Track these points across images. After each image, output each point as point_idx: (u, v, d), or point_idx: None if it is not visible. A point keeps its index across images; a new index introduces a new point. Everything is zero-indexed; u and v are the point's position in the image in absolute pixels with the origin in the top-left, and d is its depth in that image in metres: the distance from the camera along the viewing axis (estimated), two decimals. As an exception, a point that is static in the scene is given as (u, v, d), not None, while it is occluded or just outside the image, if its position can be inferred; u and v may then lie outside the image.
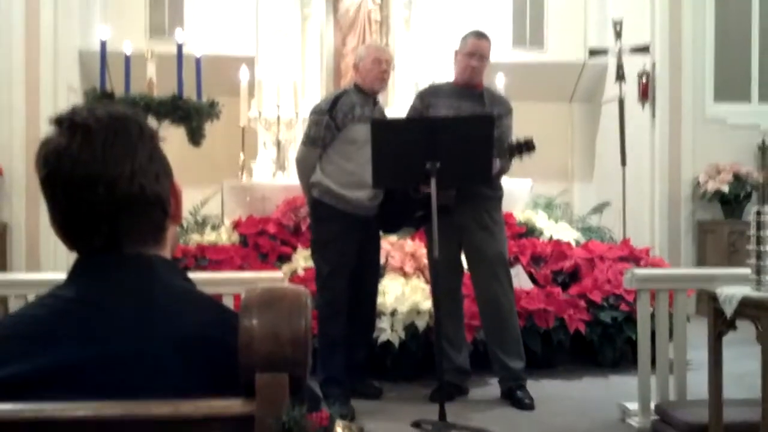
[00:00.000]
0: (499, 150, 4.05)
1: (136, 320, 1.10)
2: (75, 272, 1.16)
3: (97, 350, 1.07)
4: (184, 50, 5.77)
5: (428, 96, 4.39)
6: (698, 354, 4.02)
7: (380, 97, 4.51)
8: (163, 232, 1.19)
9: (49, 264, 6.51)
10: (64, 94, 7.01)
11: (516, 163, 4.38)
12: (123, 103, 4.92)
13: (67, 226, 1.15)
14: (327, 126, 4.13)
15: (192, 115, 5.46)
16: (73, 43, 7.44)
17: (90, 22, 7.69)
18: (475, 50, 4.27)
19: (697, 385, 3.63)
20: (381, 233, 4.44)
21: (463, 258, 4.42)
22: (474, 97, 4.27)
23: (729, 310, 2.92)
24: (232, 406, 1.02)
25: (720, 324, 3.04)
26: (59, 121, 1.13)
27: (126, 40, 5.95)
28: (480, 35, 4.36)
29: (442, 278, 3.99)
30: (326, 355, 4.09)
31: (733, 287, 3.00)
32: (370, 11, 7.28)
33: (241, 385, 1.02)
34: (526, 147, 4.07)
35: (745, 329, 3.21)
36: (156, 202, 1.16)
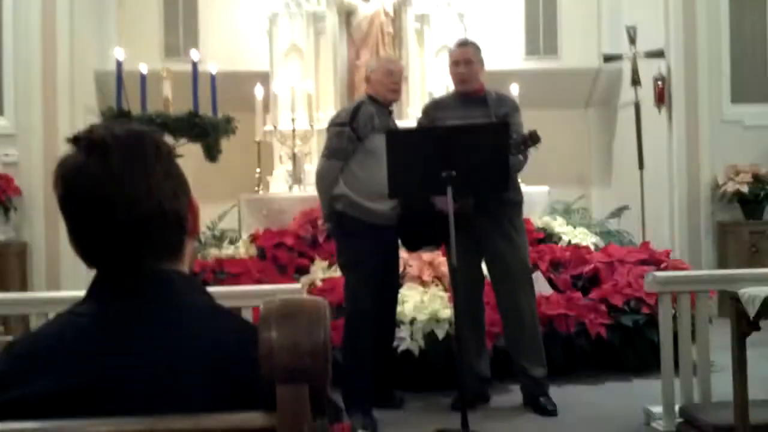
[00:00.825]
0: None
1: (155, 336, 1.10)
2: (94, 289, 1.16)
3: (117, 367, 1.08)
4: (199, 68, 5.82)
5: (432, 110, 4.41)
6: (721, 356, 3.99)
7: (394, 110, 4.51)
8: (182, 248, 1.20)
9: (68, 282, 6.55)
10: (82, 114, 7.08)
11: (533, 170, 4.37)
12: (140, 122, 4.98)
13: (85, 244, 1.16)
14: (349, 138, 4.12)
15: (208, 132, 5.49)
16: (89, 64, 7.52)
17: (106, 44, 7.77)
18: (458, 58, 4.30)
19: (722, 386, 3.60)
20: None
21: (483, 266, 4.41)
22: (477, 103, 4.28)
23: (752, 311, 2.90)
24: (253, 419, 1.02)
25: (743, 325, 3.02)
26: (76, 140, 1.15)
27: (141, 60, 6.02)
28: (461, 43, 4.51)
29: (462, 286, 3.98)
30: (353, 367, 4.07)
31: (756, 287, 2.97)
32: (383, 24, 7.31)
33: (262, 398, 1.02)
34: (531, 140, 4.06)
35: (769, 330, 3.19)
36: (174, 218, 1.17)
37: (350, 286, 4.21)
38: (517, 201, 4.31)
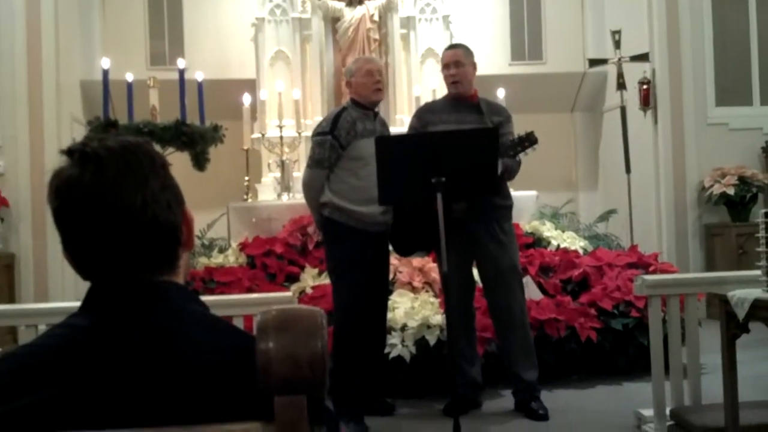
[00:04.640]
0: (501, 151, 4.04)
1: (152, 348, 1.10)
2: (89, 301, 1.16)
3: (113, 379, 1.07)
4: (186, 76, 5.81)
5: (425, 114, 4.42)
6: (711, 358, 4.01)
7: (380, 110, 4.50)
8: (177, 260, 1.20)
9: (57, 294, 6.52)
10: (68, 124, 7.05)
11: (520, 175, 4.38)
12: (127, 131, 4.96)
13: (79, 257, 1.15)
14: (331, 146, 4.12)
15: (196, 140, 5.48)
16: (75, 74, 7.50)
17: (91, 53, 7.75)
18: (448, 60, 4.34)
19: (712, 389, 3.62)
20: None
21: (474, 271, 4.42)
22: (470, 108, 4.29)
23: (741, 313, 2.92)
24: (250, 429, 1.02)
25: (733, 327, 3.03)
26: (70, 152, 1.14)
27: (127, 69, 6.00)
28: (451, 46, 4.60)
29: (454, 292, 3.98)
30: (342, 374, 4.07)
31: (745, 290, 2.99)
32: (369, 30, 7.33)
33: (260, 408, 1.02)
34: (528, 141, 4.07)
35: (758, 331, 3.21)
36: (169, 230, 1.17)
37: (340, 291, 4.21)
38: (506, 206, 4.33)
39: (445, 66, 4.35)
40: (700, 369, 3.85)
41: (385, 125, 4.43)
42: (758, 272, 3.00)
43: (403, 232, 4.18)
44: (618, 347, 4.98)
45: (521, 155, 4.17)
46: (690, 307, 3.90)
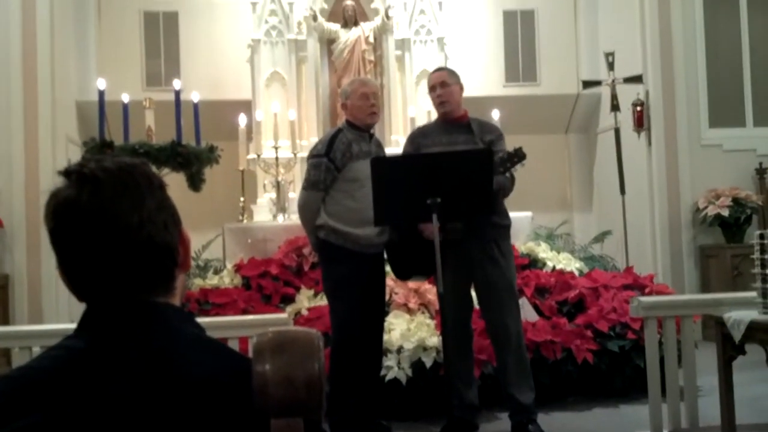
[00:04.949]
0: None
1: (148, 370, 1.09)
2: (85, 323, 1.15)
3: (109, 400, 1.06)
4: (182, 97, 5.82)
5: (417, 138, 4.43)
6: (708, 380, 4.00)
7: (375, 131, 4.51)
8: (173, 281, 1.19)
9: (51, 315, 6.49)
10: (63, 145, 7.05)
11: (515, 196, 4.38)
12: (123, 152, 4.96)
13: (76, 277, 1.15)
14: (327, 169, 4.13)
15: (192, 161, 5.47)
16: (70, 95, 7.51)
17: (87, 74, 7.77)
18: (434, 82, 4.36)
19: (709, 411, 3.61)
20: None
21: (472, 292, 4.41)
22: (462, 129, 4.30)
23: (737, 335, 2.92)
24: (247, 452, 1.02)
25: (729, 349, 3.03)
26: (67, 173, 1.14)
27: (123, 90, 6.01)
28: (436, 69, 4.67)
29: (451, 313, 3.97)
30: (339, 396, 4.05)
31: (740, 311, 3.00)
32: (364, 51, 7.37)
33: (256, 430, 1.01)
34: (517, 157, 4.08)
35: (755, 353, 3.20)
36: (165, 250, 1.16)
37: (336, 313, 4.19)
38: (504, 225, 4.32)
39: (432, 88, 4.38)
40: (696, 391, 3.85)
41: (380, 146, 4.44)
42: (754, 294, 3.00)
43: (401, 255, 4.17)
44: (614, 369, 4.96)
45: (511, 171, 4.18)
46: (686, 329, 3.90)
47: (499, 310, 4.24)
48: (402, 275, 4.30)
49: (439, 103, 4.34)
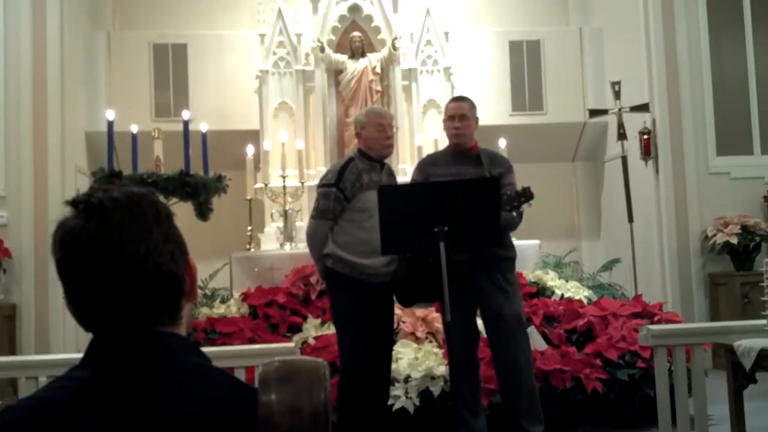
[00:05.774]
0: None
1: (153, 401, 1.09)
2: (90, 353, 1.15)
3: (115, 431, 1.06)
4: (190, 127, 5.85)
5: (426, 166, 4.43)
6: (719, 408, 3.96)
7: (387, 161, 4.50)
8: (179, 311, 1.19)
9: (58, 345, 6.48)
10: (72, 175, 7.09)
11: (523, 224, 4.38)
12: (131, 182, 4.99)
13: (82, 307, 1.15)
14: (336, 198, 4.12)
15: (199, 191, 5.49)
16: (80, 126, 7.57)
17: (96, 105, 7.82)
18: (454, 113, 4.34)
19: (720, 441, 3.57)
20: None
21: (479, 321, 4.39)
22: (471, 160, 4.30)
23: (748, 363, 2.90)
24: (253, 483, 1.01)
25: (739, 377, 3.01)
26: (75, 203, 1.14)
27: (132, 120, 6.05)
28: (456, 98, 4.59)
29: (457, 342, 3.95)
30: (346, 426, 4.01)
31: (751, 339, 2.97)
32: (371, 82, 7.41)
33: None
34: (524, 196, 4.07)
35: (766, 381, 3.17)
36: (171, 280, 1.16)
37: (343, 343, 4.18)
38: (510, 257, 4.31)
39: (450, 117, 4.35)
40: (707, 420, 3.81)
41: (392, 175, 4.43)
42: (763, 321, 2.98)
43: (405, 282, 4.16)
44: (624, 398, 4.92)
45: (518, 209, 4.17)
46: (696, 357, 3.87)
47: (506, 341, 4.21)
48: (405, 302, 4.29)
49: (455, 134, 4.33)
